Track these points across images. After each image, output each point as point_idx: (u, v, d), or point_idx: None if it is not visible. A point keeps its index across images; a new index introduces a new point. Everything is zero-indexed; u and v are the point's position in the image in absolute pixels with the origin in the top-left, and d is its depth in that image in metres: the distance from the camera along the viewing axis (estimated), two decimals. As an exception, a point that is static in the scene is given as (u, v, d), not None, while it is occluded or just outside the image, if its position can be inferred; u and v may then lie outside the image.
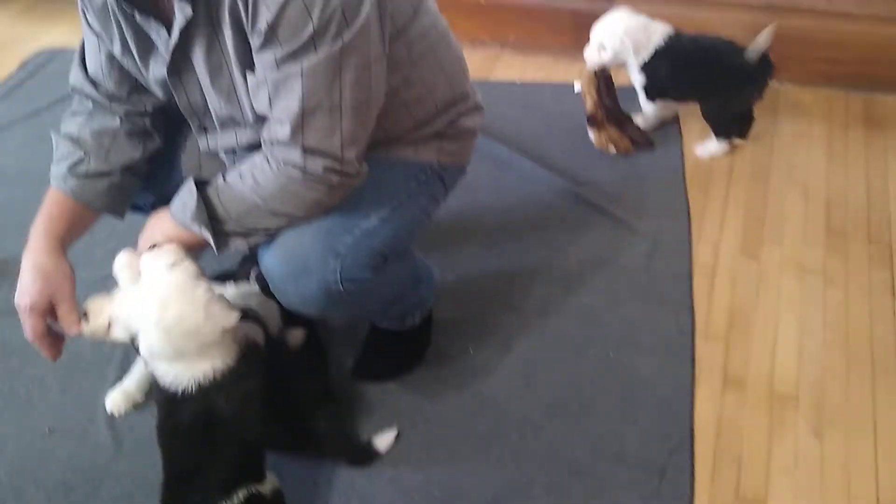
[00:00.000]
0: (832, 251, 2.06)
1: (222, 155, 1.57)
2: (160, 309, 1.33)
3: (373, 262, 1.46)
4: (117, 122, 1.51)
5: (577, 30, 2.64)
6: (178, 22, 1.29)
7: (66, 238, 1.48)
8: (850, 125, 2.49)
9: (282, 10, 1.19)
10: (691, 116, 2.48)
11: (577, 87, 2.49)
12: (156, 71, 1.41)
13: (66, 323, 1.40)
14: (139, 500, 1.62)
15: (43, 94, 2.85)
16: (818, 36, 2.55)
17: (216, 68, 1.34)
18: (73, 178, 1.49)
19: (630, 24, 2.31)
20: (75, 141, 1.51)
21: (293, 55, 1.23)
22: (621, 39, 2.30)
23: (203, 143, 1.53)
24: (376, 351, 1.84)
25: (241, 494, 1.39)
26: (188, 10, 1.26)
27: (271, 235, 1.42)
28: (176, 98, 1.44)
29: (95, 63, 1.49)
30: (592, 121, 2.39)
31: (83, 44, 1.51)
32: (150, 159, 1.57)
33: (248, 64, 1.30)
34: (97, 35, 1.45)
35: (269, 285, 1.48)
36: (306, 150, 1.30)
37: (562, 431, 1.69)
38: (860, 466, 1.61)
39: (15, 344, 1.91)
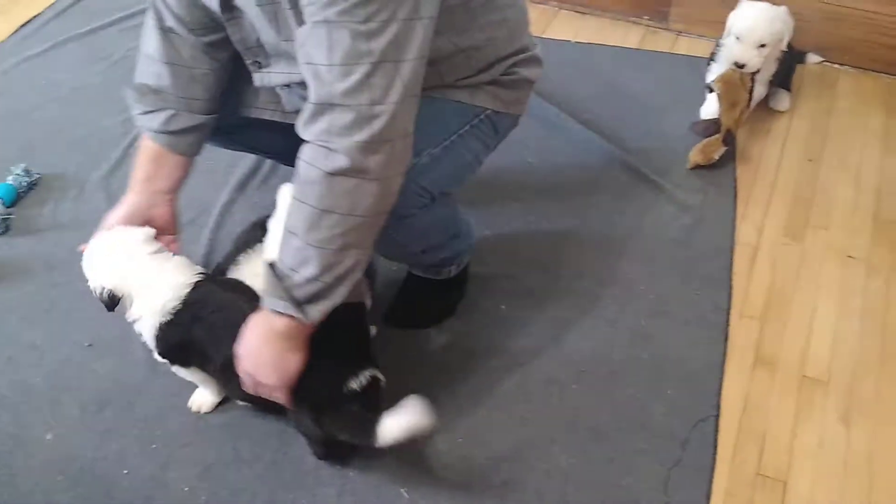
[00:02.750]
0: (878, 240, 2.03)
1: (278, 90, 1.57)
2: None
3: (420, 200, 1.47)
4: (192, 61, 1.52)
5: (639, -6, 2.60)
6: None
7: (163, 182, 1.57)
8: (909, 115, 2.44)
9: None
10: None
11: (715, 91, 2.23)
12: (211, 2, 1.41)
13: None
14: (172, 420, 1.66)
15: (97, 13, 2.87)
16: (885, 21, 2.48)
17: (272, 10, 1.33)
18: (166, 135, 1.54)
19: (779, 15, 2.20)
20: (158, 93, 1.53)
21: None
22: (774, 34, 2.19)
23: (258, 78, 1.54)
24: (410, 299, 1.86)
25: (365, 376, 1.44)
26: None
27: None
28: (229, 33, 1.45)
29: None
30: (719, 131, 2.20)
31: None
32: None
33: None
34: None
35: None
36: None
37: (587, 395, 1.70)
38: (885, 458, 1.60)
39: (59, 258, 1.95)
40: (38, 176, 2.19)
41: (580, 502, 1.54)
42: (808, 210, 2.12)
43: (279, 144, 1.58)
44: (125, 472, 1.58)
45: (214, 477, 1.57)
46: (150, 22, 1.54)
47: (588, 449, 1.61)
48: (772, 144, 2.32)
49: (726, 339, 1.80)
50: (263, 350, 1.35)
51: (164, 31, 1.52)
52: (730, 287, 1.91)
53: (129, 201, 1.56)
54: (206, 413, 1.67)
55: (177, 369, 1.58)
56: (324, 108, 1.22)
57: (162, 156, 1.56)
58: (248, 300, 1.43)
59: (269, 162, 2.21)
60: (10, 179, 2.14)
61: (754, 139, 2.33)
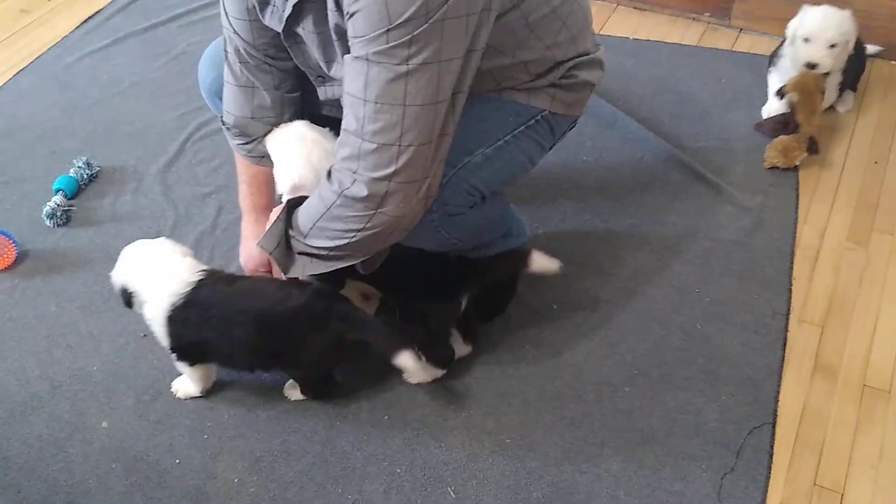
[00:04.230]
0: (947, 247, 1.96)
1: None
2: None
3: (470, 198, 1.47)
4: (267, 84, 1.60)
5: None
6: None
7: (272, 195, 1.72)
8: (983, 118, 2.34)
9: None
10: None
11: (786, 98, 2.19)
12: (272, 23, 1.45)
13: (277, 274, 1.65)
14: (221, 411, 1.68)
15: (157, 9, 2.92)
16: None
17: (324, 38, 1.37)
18: (254, 158, 1.69)
19: (846, 16, 2.16)
20: (242, 128, 1.66)
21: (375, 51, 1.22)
22: (844, 33, 2.14)
23: (321, 91, 1.58)
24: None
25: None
26: None
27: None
28: (292, 55, 1.50)
29: (235, 8, 1.52)
30: (788, 130, 2.17)
31: None
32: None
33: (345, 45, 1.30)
34: None
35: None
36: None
37: (639, 398, 1.67)
38: (950, 472, 1.55)
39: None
40: (98, 168, 2.23)
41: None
42: (873, 213, 2.05)
43: None
44: (177, 461, 1.60)
45: (263, 470, 1.58)
46: (228, 79, 1.62)
47: (639, 453, 1.58)
48: (836, 146, 2.25)
49: (785, 344, 1.75)
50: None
51: (244, 88, 1.61)
52: (789, 291, 1.86)
53: (253, 232, 1.73)
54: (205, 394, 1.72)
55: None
56: (354, 138, 1.28)
57: (269, 176, 1.67)
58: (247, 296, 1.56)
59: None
60: (71, 172, 2.19)
61: (818, 140, 2.26)
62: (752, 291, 1.86)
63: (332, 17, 1.31)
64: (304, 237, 1.44)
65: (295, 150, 1.56)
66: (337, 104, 1.60)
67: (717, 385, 1.68)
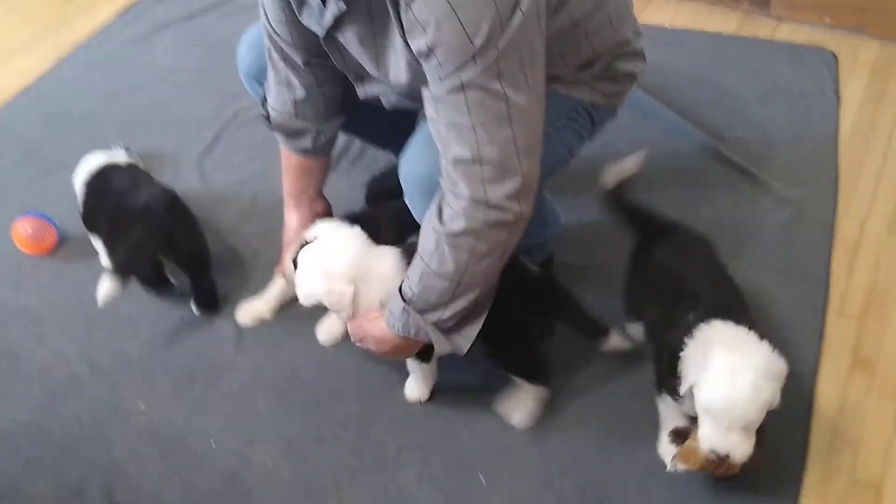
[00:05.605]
0: None
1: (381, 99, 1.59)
2: None
3: None
4: (309, 82, 1.62)
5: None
6: (332, 10, 1.32)
7: (313, 187, 1.80)
8: None
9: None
10: (847, 80, 2.34)
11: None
12: (310, 24, 1.43)
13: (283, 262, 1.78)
14: (256, 396, 1.70)
15: (199, -1, 2.94)
16: None
17: (368, 48, 1.36)
18: (312, 152, 1.74)
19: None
20: (285, 124, 1.70)
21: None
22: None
23: (360, 91, 1.57)
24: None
25: None
26: (342, 6, 1.29)
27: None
28: (332, 57, 1.50)
29: (273, 9, 1.51)
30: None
31: None
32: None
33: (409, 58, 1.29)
34: None
35: (406, 198, 1.52)
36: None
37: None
38: None
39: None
40: (136, 155, 2.25)
41: (663, 500, 1.50)
42: (915, 205, 2.01)
43: (373, 126, 1.81)
44: (213, 445, 1.63)
45: (297, 454, 1.60)
46: (270, 75, 1.65)
47: (672, 445, 1.57)
48: (877, 137, 2.21)
49: (822, 338, 1.73)
50: (387, 344, 1.50)
51: (286, 86, 1.63)
52: (828, 284, 1.84)
53: (296, 216, 1.79)
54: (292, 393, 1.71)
55: None
56: (473, 167, 1.26)
57: (309, 167, 1.76)
58: None
59: (357, 143, 2.23)
60: (111, 158, 2.21)
61: (859, 131, 2.22)
62: (790, 285, 1.84)
63: (396, 31, 1.28)
64: (448, 303, 1.39)
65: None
66: (376, 102, 1.61)
67: (752, 378, 1.66)
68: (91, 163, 1.94)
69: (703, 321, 1.41)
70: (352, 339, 1.60)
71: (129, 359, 1.79)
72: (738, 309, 1.51)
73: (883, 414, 1.61)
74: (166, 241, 1.77)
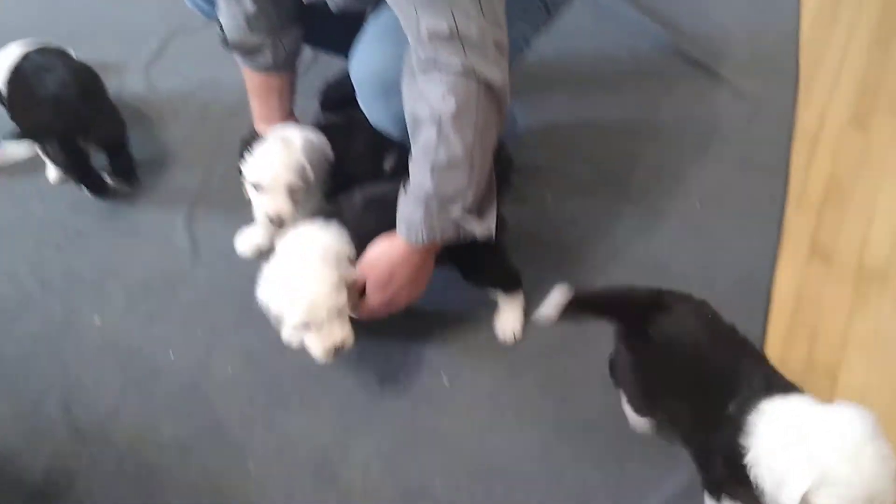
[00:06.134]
0: (950, 129, 1.92)
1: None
2: None
3: None
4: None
5: None
6: None
7: (283, 108, 1.72)
8: None
9: None
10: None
11: None
12: None
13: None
14: (214, 307, 1.68)
15: None
16: None
17: None
18: (260, 70, 1.66)
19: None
20: (241, 42, 1.62)
21: None
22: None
23: None
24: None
25: None
26: None
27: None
28: None
29: None
30: None
31: None
32: None
33: None
34: None
35: (359, 100, 1.46)
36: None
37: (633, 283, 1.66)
38: (943, 351, 1.55)
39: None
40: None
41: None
42: (875, 97, 2.00)
43: (332, 35, 1.71)
44: (171, 356, 1.61)
45: (258, 363, 1.59)
46: None
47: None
48: (839, 28, 2.18)
49: (781, 229, 1.74)
50: (398, 273, 1.41)
51: (234, 1, 1.57)
52: (787, 176, 1.83)
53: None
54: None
55: None
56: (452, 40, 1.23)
57: (274, 85, 1.69)
58: None
59: (308, 51, 2.15)
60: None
61: (819, 23, 2.19)
62: (749, 177, 1.83)
63: None
64: (466, 188, 1.34)
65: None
66: (323, 6, 1.54)
67: (712, 271, 1.66)
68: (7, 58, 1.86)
69: (749, 411, 1.16)
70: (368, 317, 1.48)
71: (80, 274, 1.75)
72: (773, 371, 1.27)
73: (839, 303, 1.63)
74: (79, 126, 1.77)
